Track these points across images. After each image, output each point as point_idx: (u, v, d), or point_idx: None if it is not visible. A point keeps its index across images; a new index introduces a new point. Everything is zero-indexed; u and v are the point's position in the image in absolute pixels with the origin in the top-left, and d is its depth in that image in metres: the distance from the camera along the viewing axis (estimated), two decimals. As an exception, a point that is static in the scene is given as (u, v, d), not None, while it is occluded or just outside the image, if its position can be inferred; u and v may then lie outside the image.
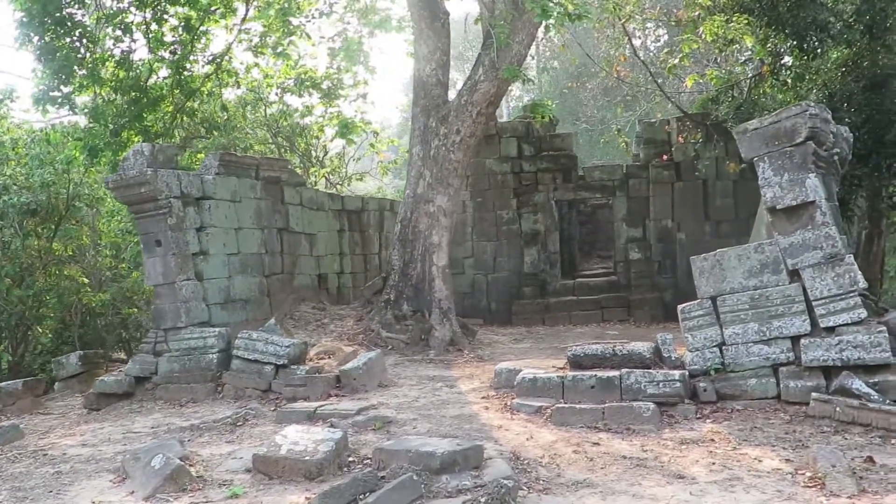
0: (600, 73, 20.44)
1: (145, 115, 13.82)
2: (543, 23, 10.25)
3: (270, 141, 19.51)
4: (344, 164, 20.76)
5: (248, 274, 10.70)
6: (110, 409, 8.84)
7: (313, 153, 19.77)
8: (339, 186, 20.54)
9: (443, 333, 10.68)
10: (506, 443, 6.13)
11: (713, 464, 5.51)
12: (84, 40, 12.48)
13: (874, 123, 12.48)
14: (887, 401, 6.54)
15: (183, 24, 13.62)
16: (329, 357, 9.39)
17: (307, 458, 5.65)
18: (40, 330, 16.12)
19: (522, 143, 16.51)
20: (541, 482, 5.22)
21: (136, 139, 13.81)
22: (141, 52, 13.78)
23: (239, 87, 18.57)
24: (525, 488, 5.08)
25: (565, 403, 7.11)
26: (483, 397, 7.75)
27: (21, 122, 15.75)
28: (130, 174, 9.16)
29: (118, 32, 13.22)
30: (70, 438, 7.48)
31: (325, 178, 20.03)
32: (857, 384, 6.62)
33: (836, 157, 8.59)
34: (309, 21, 15.89)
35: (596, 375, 7.25)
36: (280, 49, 15.52)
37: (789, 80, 12.99)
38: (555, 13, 9.42)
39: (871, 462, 5.42)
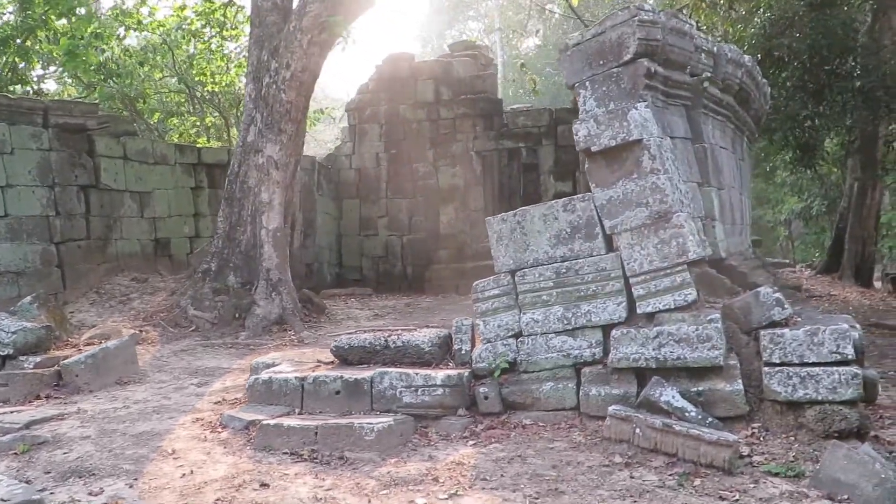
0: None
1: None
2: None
3: (179, 88, 17.70)
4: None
5: (23, 241, 8.90)
6: None
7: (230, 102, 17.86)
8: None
9: (267, 310, 8.81)
10: (148, 481, 4.36)
11: (384, 529, 3.71)
12: None
13: (819, 49, 10.30)
14: (709, 419, 4.66)
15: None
16: (102, 342, 7.69)
17: None
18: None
19: (440, 85, 14.48)
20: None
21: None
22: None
23: (141, 30, 16.83)
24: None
25: (300, 416, 5.35)
26: (216, 402, 5.98)
27: None
28: None
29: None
30: None
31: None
32: (669, 395, 4.73)
33: (706, 85, 6.60)
34: None
35: (342, 377, 5.44)
36: None
37: (722, 3, 10.84)
38: None
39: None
